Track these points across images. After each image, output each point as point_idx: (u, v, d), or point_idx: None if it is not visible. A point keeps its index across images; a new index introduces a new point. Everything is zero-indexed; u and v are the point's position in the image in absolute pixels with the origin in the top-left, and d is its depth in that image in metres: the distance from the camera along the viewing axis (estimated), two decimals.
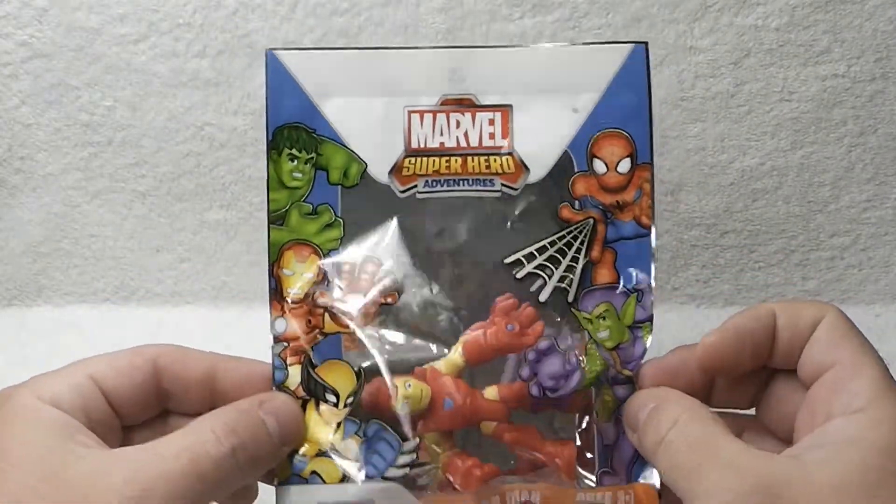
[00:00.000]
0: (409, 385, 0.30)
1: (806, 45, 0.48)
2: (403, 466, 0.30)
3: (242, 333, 0.47)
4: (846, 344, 0.27)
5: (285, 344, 0.31)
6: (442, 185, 0.31)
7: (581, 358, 0.31)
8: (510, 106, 0.30)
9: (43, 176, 0.52)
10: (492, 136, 0.30)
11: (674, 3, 0.47)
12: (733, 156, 0.50)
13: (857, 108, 0.49)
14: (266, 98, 0.30)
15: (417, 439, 0.30)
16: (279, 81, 0.30)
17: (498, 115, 0.30)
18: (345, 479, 0.29)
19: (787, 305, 0.29)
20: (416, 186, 0.30)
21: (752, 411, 0.32)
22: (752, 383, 0.31)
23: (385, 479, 0.29)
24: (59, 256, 0.54)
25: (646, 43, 0.30)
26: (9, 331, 0.54)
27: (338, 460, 0.30)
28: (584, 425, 0.31)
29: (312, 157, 0.30)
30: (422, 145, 0.30)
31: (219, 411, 0.28)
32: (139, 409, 0.30)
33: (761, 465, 0.24)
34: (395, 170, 0.30)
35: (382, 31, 0.47)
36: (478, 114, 0.30)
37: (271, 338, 0.31)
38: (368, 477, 0.29)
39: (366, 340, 0.31)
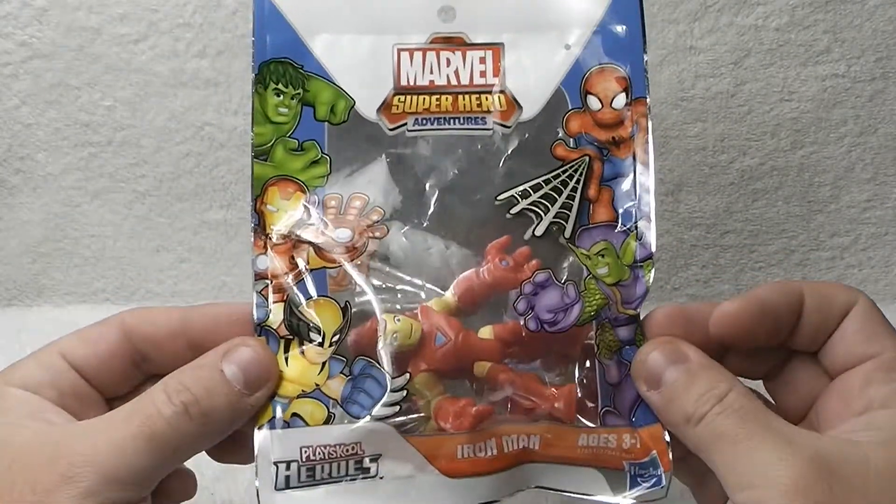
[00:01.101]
0: (399, 319, 0.29)
1: (806, 45, 0.48)
2: (392, 405, 0.28)
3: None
4: (881, 337, 0.28)
5: (267, 281, 0.30)
6: (432, 124, 0.30)
7: (581, 291, 0.30)
8: (501, 44, 0.30)
9: (43, 176, 0.52)
10: (483, 73, 0.30)
11: (674, 3, 0.47)
12: (733, 156, 0.50)
13: (857, 108, 0.49)
14: (253, 32, 0.30)
15: (407, 374, 0.28)
16: (266, 16, 0.30)
17: (489, 53, 0.30)
18: (329, 419, 0.28)
19: (816, 287, 0.29)
20: (405, 124, 0.30)
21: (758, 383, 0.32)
22: (767, 358, 0.31)
23: (373, 418, 0.28)
24: (59, 256, 0.54)
25: None
26: (9, 331, 0.54)
27: (322, 400, 0.28)
28: (586, 363, 0.30)
29: (299, 93, 0.30)
30: (411, 83, 0.30)
31: (177, 371, 0.27)
32: (117, 377, 0.30)
33: (816, 443, 0.25)
34: (384, 107, 0.30)
35: None
36: (468, 52, 0.30)
37: (252, 275, 0.30)
38: (354, 416, 0.28)
39: (353, 273, 0.29)
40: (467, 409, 0.28)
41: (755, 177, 0.51)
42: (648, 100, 0.30)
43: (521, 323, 0.29)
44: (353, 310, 0.29)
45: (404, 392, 0.28)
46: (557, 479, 0.29)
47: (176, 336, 0.30)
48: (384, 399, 0.28)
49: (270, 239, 0.30)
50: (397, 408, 0.28)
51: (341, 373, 0.29)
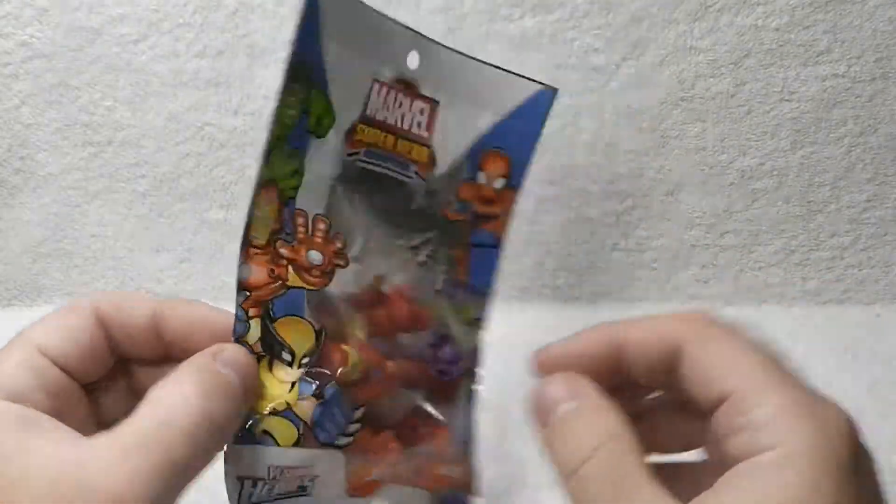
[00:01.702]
0: (354, 352, 0.31)
1: (806, 45, 0.48)
2: (349, 435, 0.30)
3: None
4: (733, 369, 0.25)
5: (247, 294, 0.30)
6: (375, 159, 0.31)
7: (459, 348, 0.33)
8: (438, 102, 0.32)
9: (43, 176, 0.52)
10: (419, 125, 0.32)
11: (674, 3, 0.47)
12: (733, 156, 0.50)
13: (857, 108, 0.49)
14: (299, 27, 0.30)
15: (362, 408, 0.31)
16: (311, 15, 0.31)
17: (428, 107, 0.32)
18: (298, 441, 0.29)
19: (636, 331, 0.27)
20: (358, 154, 0.31)
21: None
22: (630, 398, 0.29)
23: (336, 446, 0.29)
24: (59, 256, 0.54)
25: (555, 90, 0.32)
26: (9, 331, 0.54)
27: (294, 421, 0.29)
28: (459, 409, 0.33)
29: (304, 98, 0.30)
30: (373, 115, 0.31)
31: (180, 374, 0.26)
32: (96, 366, 0.29)
33: None
34: (349, 132, 0.31)
35: None
36: (415, 101, 0.31)
37: (236, 283, 0.30)
38: (322, 443, 0.29)
39: (323, 301, 0.31)
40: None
41: (755, 177, 0.51)
42: (518, 193, 0.33)
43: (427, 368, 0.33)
44: (325, 334, 0.31)
45: (360, 424, 0.31)
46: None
47: (149, 330, 0.29)
48: (346, 429, 0.30)
49: (253, 247, 0.30)
50: (351, 438, 0.30)
51: (313, 395, 0.30)
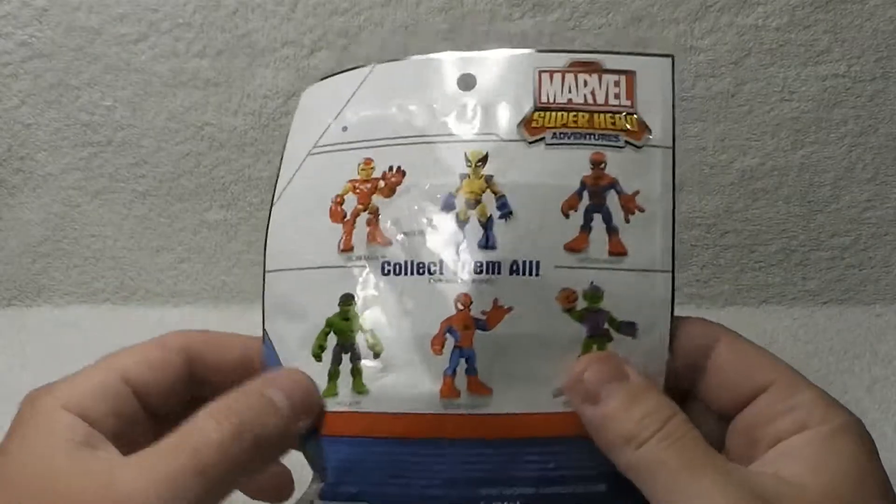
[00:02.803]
0: None
1: (806, 44, 0.48)
2: None
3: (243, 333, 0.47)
4: (760, 367, 0.27)
5: None
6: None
7: None
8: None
9: (43, 176, 0.52)
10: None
11: (674, 3, 0.47)
12: (733, 156, 0.50)
13: (858, 108, 0.49)
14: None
15: None
16: None
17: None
18: None
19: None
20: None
21: None
22: None
23: None
24: (59, 256, 0.54)
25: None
26: (9, 331, 0.54)
27: None
28: None
29: None
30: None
31: (222, 396, 0.27)
32: (170, 401, 0.29)
33: (753, 478, 0.24)
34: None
35: (382, 32, 0.47)
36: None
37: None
38: None
39: None
40: None
41: (755, 177, 0.51)
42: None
43: None
44: None
45: None
46: None
47: (242, 368, 0.30)
48: None
49: None
50: None
51: None
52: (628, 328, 0.28)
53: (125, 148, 0.51)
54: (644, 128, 0.30)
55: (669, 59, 0.30)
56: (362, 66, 0.32)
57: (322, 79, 0.32)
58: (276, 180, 0.32)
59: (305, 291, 0.30)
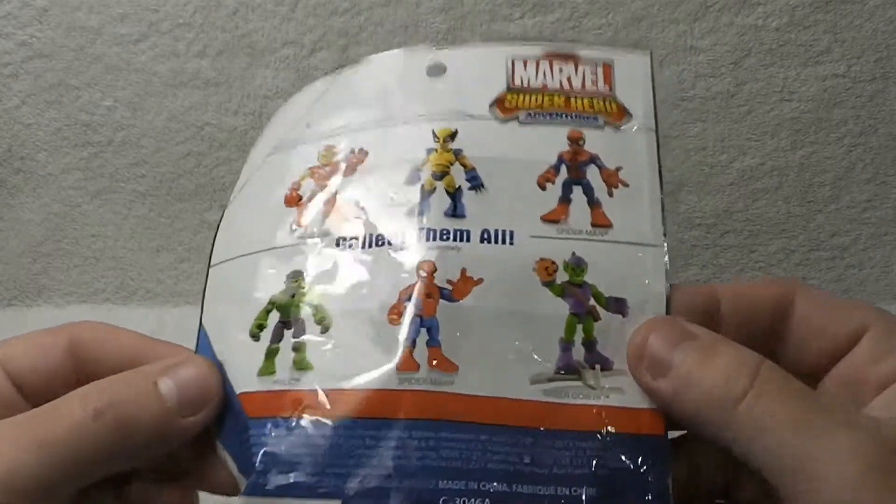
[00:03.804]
0: None
1: (806, 45, 0.48)
2: None
3: None
4: (858, 310, 0.24)
5: None
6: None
7: None
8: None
9: (43, 176, 0.52)
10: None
11: (674, 3, 0.47)
12: (733, 156, 0.50)
13: (858, 108, 0.49)
14: None
15: None
16: None
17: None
18: None
19: (814, 297, 0.25)
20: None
21: None
22: None
23: None
24: (59, 256, 0.54)
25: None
26: (9, 331, 0.54)
27: None
28: None
29: None
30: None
31: (107, 377, 0.25)
32: (53, 391, 0.26)
33: (876, 423, 0.21)
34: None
35: (382, 32, 0.47)
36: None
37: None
38: None
39: None
40: None
41: (755, 177, 0.51)
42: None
43: None
44: None
45: None
46: None
47: (126, 365, 0.26)
48: None
49: None
50: None
51: None
52: (617, 305, 0.25)
53: (125, 148, 0.51)
54: (624, 112, 0.28)
55: (648, 54, 0.29)
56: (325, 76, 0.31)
57: (296, 94, 0.31)
58: (232, 190, 0.31)
59: (250, 275, 0.27)
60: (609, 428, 0.24)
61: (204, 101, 0.49)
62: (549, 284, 0.25)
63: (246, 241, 0.28)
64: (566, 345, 0.25)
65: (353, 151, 0.28)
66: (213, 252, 0.29)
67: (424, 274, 0.25)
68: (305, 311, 0.26)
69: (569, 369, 0.25)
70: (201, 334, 0.28)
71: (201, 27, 0.48)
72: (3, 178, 0.52)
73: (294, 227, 0.27)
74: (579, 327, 0.25)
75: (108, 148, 0.51)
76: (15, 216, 0.53)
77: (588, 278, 0.25)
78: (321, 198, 0.28)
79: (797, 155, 0.50)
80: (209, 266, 0.29)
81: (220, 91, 0.49)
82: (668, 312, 0.25)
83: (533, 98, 0.28)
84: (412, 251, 0.25)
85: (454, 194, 0.26)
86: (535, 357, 0.25)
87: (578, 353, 0.25)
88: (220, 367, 0.26)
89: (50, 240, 0.54)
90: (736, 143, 0.50)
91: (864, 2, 0.47)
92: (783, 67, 0.48)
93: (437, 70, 0.29)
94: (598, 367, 0.25)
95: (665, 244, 0.26)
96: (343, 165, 0.28)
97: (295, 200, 0.28)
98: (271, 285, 0.27)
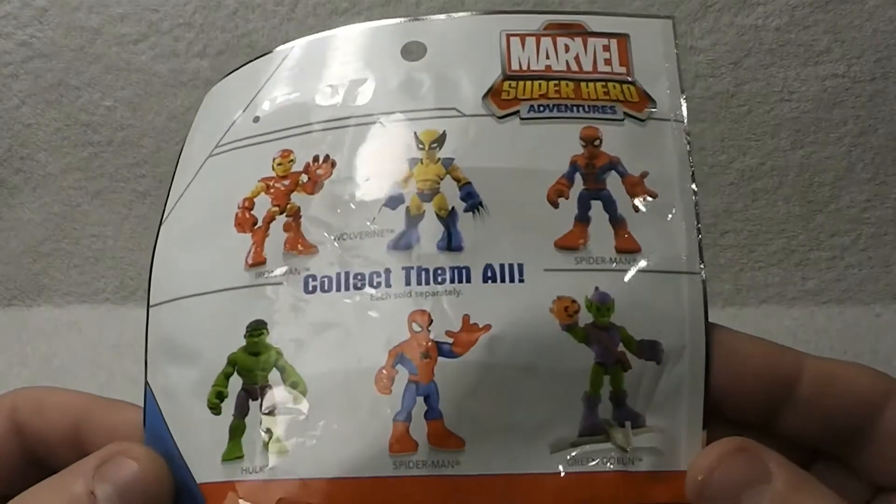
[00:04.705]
0: None
1: (806, 45, 0.48)
2: None
3: None
4: None
5: None
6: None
7: None
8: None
9: (43, 176, 0.52)
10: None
11: (674, 3, 0.47)
12: (733, 156, 0.50)
13: (858, 108, 0.49)
14: None
15: None
16: None
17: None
18: None
19: (824, 367, 0.22)
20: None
21: None
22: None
23: None
24: (59, 256, 0.54)
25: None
26: (9, 331, 0.54)
27: None
28: None
29: None
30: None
31: (33, 488, 0.21)
32: (6, 474, 0.24)
33: None
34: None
35: None
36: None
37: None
38: None
39: None
40: None
41: (755, 177, 0.51)
42: None
43: None
44: None
45: None
46: None
47: (71, 441, 0.23)
48: None
49: None
50: None
51: None
52: (650, 350, 0.21)
53: (125, 148, 0.51)
54: (646, 98, 0.23)
55: (670, 21, 0.24)
56: (278, 49, 0.25)
57: (228, 73, 0.26)
58: (167, 198, 0.25)
59: (199, 325, 0.22)
60: (645, 502, 0.20)
61: None
62: (570, 328, 0.21)
63: (189, 276, 0.23)
64: (592, 400, 0.21)
65: (315, 160, 0.23)
66: (152, 287, 0.24)
67: (419, 328, 0.21)
68: (273, 376, 0.21)
69: (595, 430, 0.21)
70: (148, 397, 0.22)
71: (201, 27, 0.48)
72: (3, 178, 0.52)
73: (250, 260, 0.22)
74: (606, 379, 0.21)
75: (108, 148, 0.51)
76: (15, 216, 0.53)
77: (615, 318, 0.21)
78: (280, 221, 0.22)
79: (797, 155, 0.50)
80: (148, 306, 0.23)
81: None
82: (707, 359, 0.21)
83: (535, 86, 0.23)
84: (400, 297, 0.21)
85: (447, 219, 0.22)
86: (556, 419, 0.21)
87: (606, 409, 0.21)
88: (172, 447, 0.21)
89: (50, 240, 0.54)
90: (736, 143, 0.50)
91: (864, 2, 0.47)
92: (783, 67, 0.48)
93: (414, 50, 0.24)
94: (628, 423, 0.21)
95: (703, 271, 0.22)
96: (304, 178, 0.23)
97: (248, 224, 0.23)
98: (226, 341, 0.22)
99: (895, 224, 0.52)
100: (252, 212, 0.23)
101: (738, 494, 0.19)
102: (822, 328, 0.52)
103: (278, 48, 0.25)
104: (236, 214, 0.23)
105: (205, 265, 0.23)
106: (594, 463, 0.20)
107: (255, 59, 0.26)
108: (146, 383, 0.23)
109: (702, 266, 0.23)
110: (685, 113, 0.24)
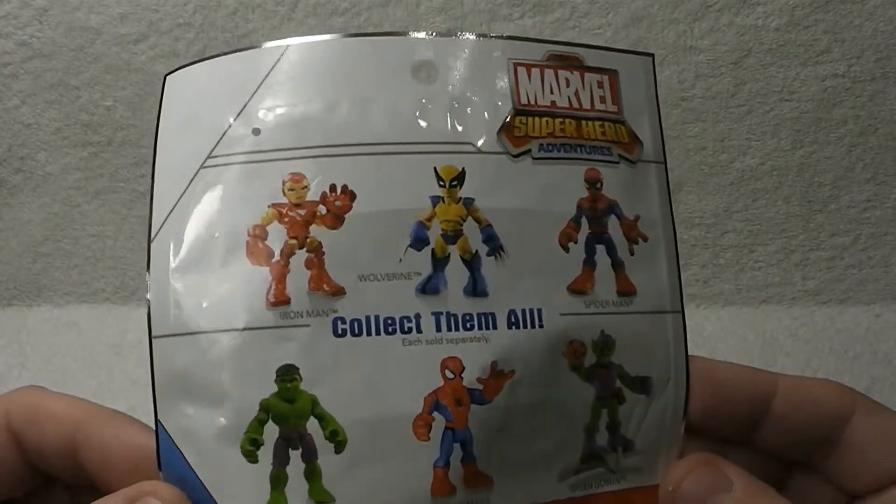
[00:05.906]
0: None
1: (806, 45, 0.48)
2: None
3: None
4: None
5: None
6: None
7: None
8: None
9: (43, 176, 0.52)
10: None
11: (674, 3, 0.47)
12: (733, 156, 0.50)
13: (857, 108, 0.49)
14: None
15: None
16: None
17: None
18: None
19: (793, 385, 0.24)
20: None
21: None
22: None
23: None
24: (59, 256, 0.54)
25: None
26: (9, 331, 0.54)
27: None
28: None
29: None
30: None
31: None
32: (7, 480, 0.23)
33: None
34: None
35: (382, 31, 0.47)
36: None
37: None
38: None
39: None
40: None
41: (755, 177, 0.51)
42: None
43: None
44: None
45: None
46: None
47: (66, 454, 0.23)
48: None
49: None
50: None
51: None
52: (643, 385, 0.23)
53: (125, 148, 0.51)
54: (635, 140, 0.25)
55: (650, 59, 0.26)
56: (262, 46, 0.23)
57: (198, 61, 0.24)
58: (151, 204, 0.24)
59: (221, 364, 0.21)
60: None
61: None
62: (576, 368, 0.23)
63: (198, 309, 0.22)
64: (591, 430, 0.23)
65: (333, 189, 0.22)
66: (153, 316, 0.22)
67: (452, 375, 0.21)
68: (312, 424, 0.21)
69: (593, 456, 0.23)
70: (162, 436, 0.22)
71: (201, 27, 0.48)
72: (3, 178, 0.52)
73: (272, 298, 0.21)
74: (604, 411, 0.23)
75: (108, 148, 0.51)
76: (15, 216, 0.53)
77: (615, 357, 0.23)
78: (301, 256, 0.22)
79: (797, 155, 0.50)
80: (151, 336, 0.22)
81: None
82: (687, 387, 0.23)
83: (543, 123, 0.24)
84: (431, 344, 0.21)
85: (472, 263, 0.22)
86: (562, 449, 0.23)
87: (602, 437, 0.23)
88: (202, 492, 0.21)
89: (50, 240, 0.54)
90: (736, 143, 0.50)
91: (864, 2, 0.47)
92: (783, 67, 0.48)
93: (426, 71, 0.24)
94: (620, 448, 0.23)
95: (682, 310, 0.24)
96: (323, 209, 0.22)
97: (263, 256, 0.22)
98: (255, 382, 0.21)
99: (895, 224, 0.52)
100: (265, 241, 0.22)
101: (703, 501, 0.22)
102: (822, 328, 0.52)
103: (266, 44, 0.23)
104: (247, 243, 0.22)
105: (215, 297, 0.22)
106: (593, 485, 0.23)
107: (233, 51, 0.23)
108: (157, 420, 0.22)
109: (682, 305, 0.24)
110: (665, 152, 0.26)
